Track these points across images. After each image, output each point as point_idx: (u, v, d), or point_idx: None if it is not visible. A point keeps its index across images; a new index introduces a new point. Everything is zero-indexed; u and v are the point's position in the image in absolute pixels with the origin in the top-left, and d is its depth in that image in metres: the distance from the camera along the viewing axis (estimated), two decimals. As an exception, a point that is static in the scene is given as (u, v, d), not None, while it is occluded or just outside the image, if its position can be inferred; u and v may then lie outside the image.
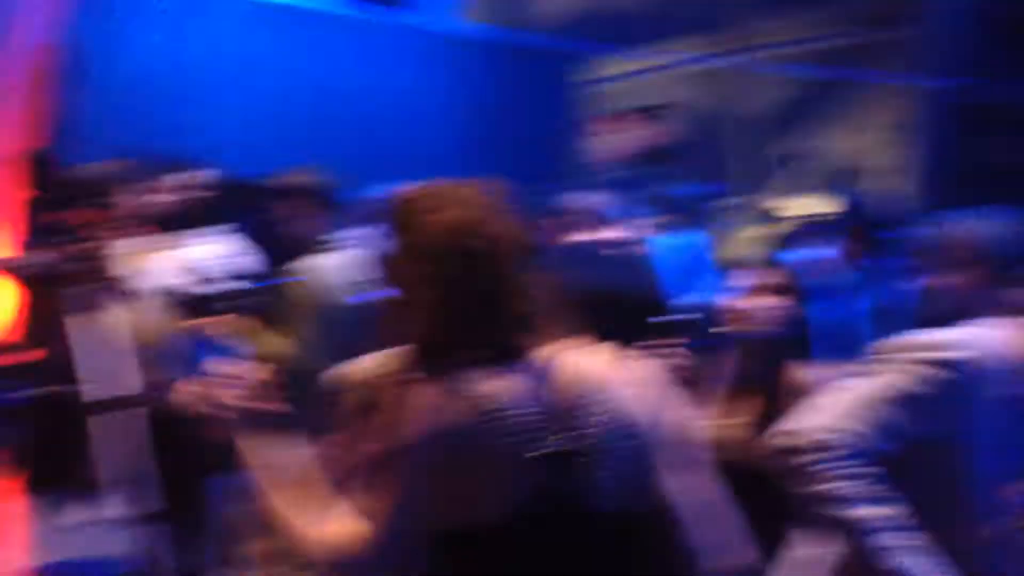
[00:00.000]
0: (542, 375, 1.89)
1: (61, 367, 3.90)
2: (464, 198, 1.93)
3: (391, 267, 1.93)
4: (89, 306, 3.86)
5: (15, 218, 6.71)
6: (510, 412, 1.84)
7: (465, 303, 1.86)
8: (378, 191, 5.79)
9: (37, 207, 6.52)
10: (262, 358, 3.47)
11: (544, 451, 1.84)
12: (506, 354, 1.88)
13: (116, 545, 4.20)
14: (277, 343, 3.46)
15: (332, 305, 3.47)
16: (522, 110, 8.40)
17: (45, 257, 6.15)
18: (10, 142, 6.84)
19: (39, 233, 6.30)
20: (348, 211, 4.29)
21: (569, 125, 9.16)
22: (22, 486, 4.58)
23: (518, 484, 1.84)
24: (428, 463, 1.85)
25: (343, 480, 2.04)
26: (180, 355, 3.97)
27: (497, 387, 1.85)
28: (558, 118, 8.94)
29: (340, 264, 3.56)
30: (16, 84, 6.79)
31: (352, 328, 3.50)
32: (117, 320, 3.92)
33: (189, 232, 4.07)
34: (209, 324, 3.55)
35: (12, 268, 6.63)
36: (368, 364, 2.08)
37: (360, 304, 3.48)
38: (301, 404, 3.48)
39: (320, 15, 7.75)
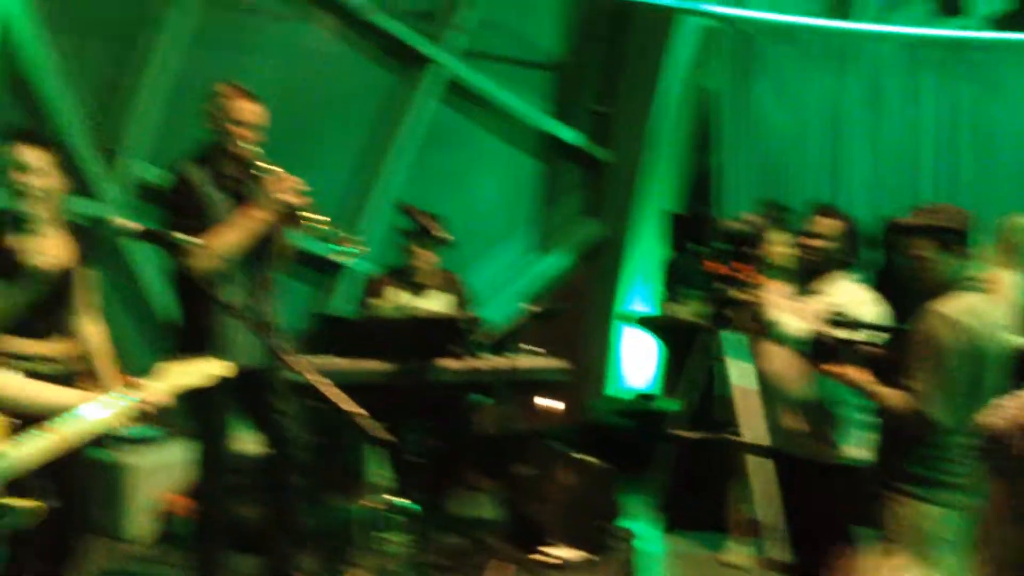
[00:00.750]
0: None
1: (712, 411, 4.10)
2: None
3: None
4: (742, 352, 4.04)
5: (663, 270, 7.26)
6: None
7: None
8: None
9: (690, 259, 6.99)
10: (888, 408, 3.35)
11: None
12: None
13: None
14: (896, 393, 3.32)
15: (964, 351, 3.23)
16: None
17: (697, 307, 6.56)
18: (662, 200, 7.44)
19: (694, 283, 6.74)
20: (984, 250, 3.98)
21: None
22: (671, 523, 4.90)
23: None
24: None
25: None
26: (818, 401, 3.99)
27: None
28: None
29: (975, 308, 3.31)
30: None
31: (986, 376, 3.25)
32: (766, 365, 4.04)
33: (823, 279, 4.08)
34: (840, 371, 3.51)
35: (657, 318, 7.18)
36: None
37: (998, 351, 3.23)
38: (923, 456, 3.31)
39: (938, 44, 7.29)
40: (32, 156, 3.57)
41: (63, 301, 3.63)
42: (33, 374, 3.21)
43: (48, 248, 3.55)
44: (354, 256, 4.20)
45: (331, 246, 4.10)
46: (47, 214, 3.62)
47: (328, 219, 4.03)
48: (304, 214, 3.99)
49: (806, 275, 4.15)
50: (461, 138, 6.95)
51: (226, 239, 3.91)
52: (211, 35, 5.61)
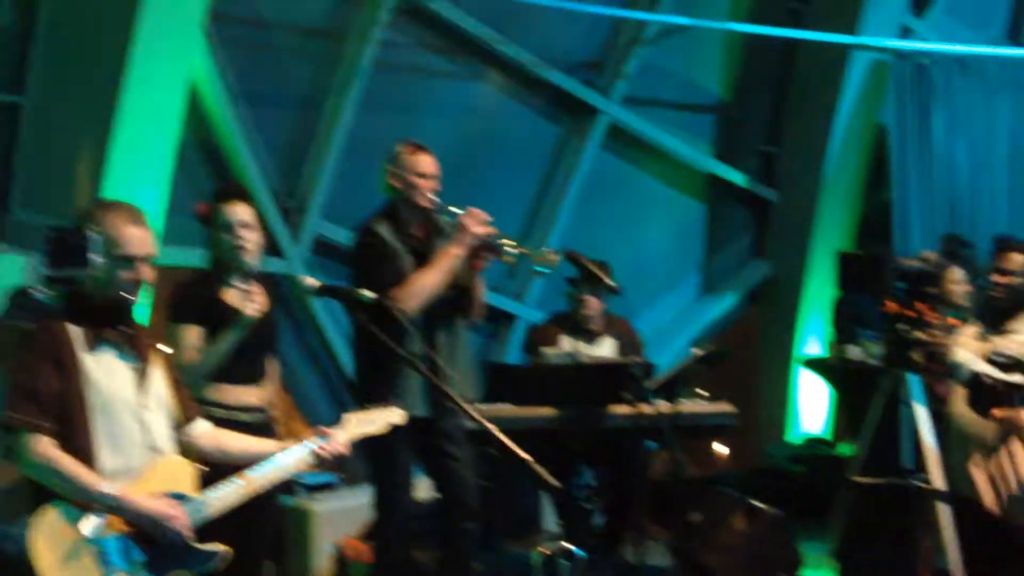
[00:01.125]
0: None
1: (897, 456, 3.98)
2: None
3: None
4: (919, 394, 3.91)
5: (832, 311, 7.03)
6: None
7: None
8: None
9: (861, 299, 6.78)
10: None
11: None
12: None
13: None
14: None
15: None
16: None
17: (870, 348, 6.35)
18: (834, 238, 7.25)
19: (866, 324, 6.53)
20: None
21: None
22: (847, 572, 4.73)
23: None
24: None
25: None
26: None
27: None
28: None
29: None
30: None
31: None
32: (951, 409, 3.89)
33: (1015, 317, 3.90)
34: (1007, 415, 3.36)
35: (827, 360, 6.96)
36: None
37: None
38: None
39: None
40: (248, 212, 3.80)
41: (262, 349, 3.83)
42: (232, 422, 3.40)
43: (255, 298, 3.75)
44: (549, 271, 4.31)
45: (533, 266, 4.21)
46: (255, 265, 3.84)
47: (516, 241, 4.15)
48: (497, 241, 4.11)
49: (996, 314, 3.96)
50: (627, 184, 6.98)
51: (424, 282, 4.03)
52: (384, 96, 5.83)
